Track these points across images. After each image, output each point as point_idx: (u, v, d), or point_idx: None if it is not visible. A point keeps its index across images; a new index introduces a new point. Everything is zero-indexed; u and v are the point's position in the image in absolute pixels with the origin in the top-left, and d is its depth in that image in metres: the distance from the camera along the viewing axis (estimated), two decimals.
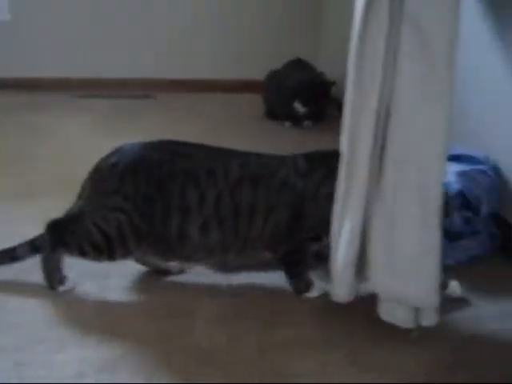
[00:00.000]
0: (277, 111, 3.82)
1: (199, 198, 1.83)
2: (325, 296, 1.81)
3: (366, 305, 1.75)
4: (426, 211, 1.56)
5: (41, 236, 1.91)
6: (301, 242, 1.89)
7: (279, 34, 4.40)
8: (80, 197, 1.92)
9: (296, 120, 3.71)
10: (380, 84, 1.55)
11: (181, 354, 1.64)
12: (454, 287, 1.91)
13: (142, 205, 1.83)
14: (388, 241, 1.61)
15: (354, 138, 1.61)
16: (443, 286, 1.88)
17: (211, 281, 1.99)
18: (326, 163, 1.85)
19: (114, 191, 1.84)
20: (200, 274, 2.02)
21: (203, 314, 1.82)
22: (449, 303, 1.88)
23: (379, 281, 1.65)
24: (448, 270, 1.91)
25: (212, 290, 1.95)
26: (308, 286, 1.91)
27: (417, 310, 1.65)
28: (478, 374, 1.61)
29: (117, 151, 1.91)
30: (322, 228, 1.77)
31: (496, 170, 2.28)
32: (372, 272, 1.65)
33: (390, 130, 1.56)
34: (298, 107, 3.63)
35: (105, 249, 1.85)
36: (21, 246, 1.92)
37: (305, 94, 3.59)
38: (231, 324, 1.77)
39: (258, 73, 3.96)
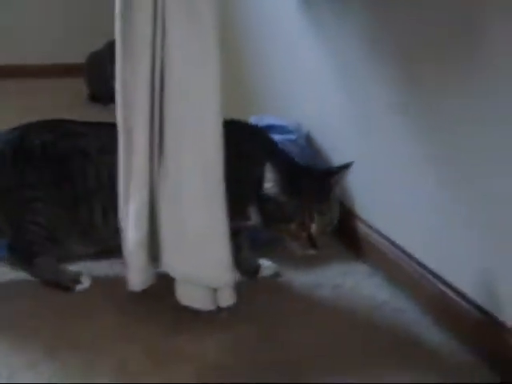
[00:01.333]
0: (100, 94, 3.66)
1: (96, 178, 1.68)
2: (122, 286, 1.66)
3: (169, 291, 1.63)
4: (208, 183, 1.47)
5: None
6: None
7: (98, 15, 4.20)
8: None
9: None
10: (150, 53, 1.44)
11: None
12: (267, 268, 1.85)
13: (52, 192, 1.68)
14: (175, 219, 1.51)
15: (129, 113, 1.49)
16: (255, 270, 1.83)
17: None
18: None
19: (17, 185, 1.67)
20: None
21: None
22: (260, 279, 1.83)
23: (171, 262, 1.55)
24: (259, 250, 1.86)
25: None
26: (77, 278, 1.76)
27: (215, 291, 1.57)
28: (282, 353, 1.53)
29: None
30: None
31: (308, 138, 2.23)
32: (163, 254, 1.54)
33: (165, 102, 1.45)
34: None
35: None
36: None
37: None
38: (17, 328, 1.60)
39: (80, 56, 3.81)
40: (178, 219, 1.50)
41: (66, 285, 1.73)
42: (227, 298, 1.57)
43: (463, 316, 1.55)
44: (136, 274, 1.57)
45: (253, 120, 2.33)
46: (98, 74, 3.64)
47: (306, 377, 1.45)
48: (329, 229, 1.63)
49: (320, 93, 2.19)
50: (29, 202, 1.68)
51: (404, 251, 1.79)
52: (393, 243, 1.84)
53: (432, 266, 1.69)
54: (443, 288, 1.63)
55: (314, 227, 1.58)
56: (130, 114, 1.49)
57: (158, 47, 1.43)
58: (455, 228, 1.59)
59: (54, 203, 1.68)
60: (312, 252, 1.59)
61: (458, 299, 1.57)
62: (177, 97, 1.44)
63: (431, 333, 1.62)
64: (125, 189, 1.54)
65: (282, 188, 1.58)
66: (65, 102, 3.68)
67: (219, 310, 1.61)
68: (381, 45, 1.81)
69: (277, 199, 1.58)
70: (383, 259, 1.86)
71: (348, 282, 1.85)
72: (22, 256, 1.73)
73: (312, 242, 1.57)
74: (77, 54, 3.84)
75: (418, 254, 1.75)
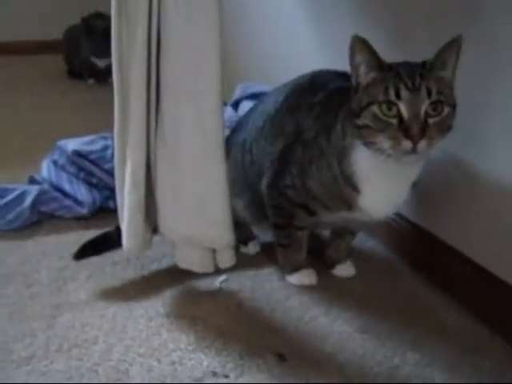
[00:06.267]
0: (77, 69, 3.64)
1: None
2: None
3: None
4: (207, 144, 1.44)
5: None
6: None
7: None
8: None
9: (100, 76, 3.52)
10: (146, 11, 1.39)
11: None
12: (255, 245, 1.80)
13: None
14: (173, 180, 1.48)
15: (126, 75, 1.44)
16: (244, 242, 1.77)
17: None
18: None
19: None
20: None
21: None
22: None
23: (169, 225, 1.52)
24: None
25: None
26: None
27: (214, 253, 1.54)
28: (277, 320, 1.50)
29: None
30: None
31: None
32: (161, 217, 1.52)
33: (163, 61, 1.42)
34: (96, 61, 3.45)
35: None
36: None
37: (99, 47, 3.36)
38: None
39: (58, 32, 3.79)
40: (175, 180, 1.47)
41: None
42: (227, 260, 1.55)
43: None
44: (132, 239, 1.52)
45: (239, 88, 2.32)
46: (74, 50, 3.60)
47: (305, 344, 1.42)
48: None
49: (304, 60, 2.17)
50: None
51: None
52: None
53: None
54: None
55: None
56: (127, 74, 1.44)
57: (154, 5, 1.39)
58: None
59: None
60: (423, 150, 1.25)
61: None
62: (174, 55, 1.40)
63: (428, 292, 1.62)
64: (120, 150, 1.50)
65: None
66: (43, 78, 3.68)
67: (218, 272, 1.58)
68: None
69: None
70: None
71: None
72: None
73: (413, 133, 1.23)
74: (55, 30, 3.83)
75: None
